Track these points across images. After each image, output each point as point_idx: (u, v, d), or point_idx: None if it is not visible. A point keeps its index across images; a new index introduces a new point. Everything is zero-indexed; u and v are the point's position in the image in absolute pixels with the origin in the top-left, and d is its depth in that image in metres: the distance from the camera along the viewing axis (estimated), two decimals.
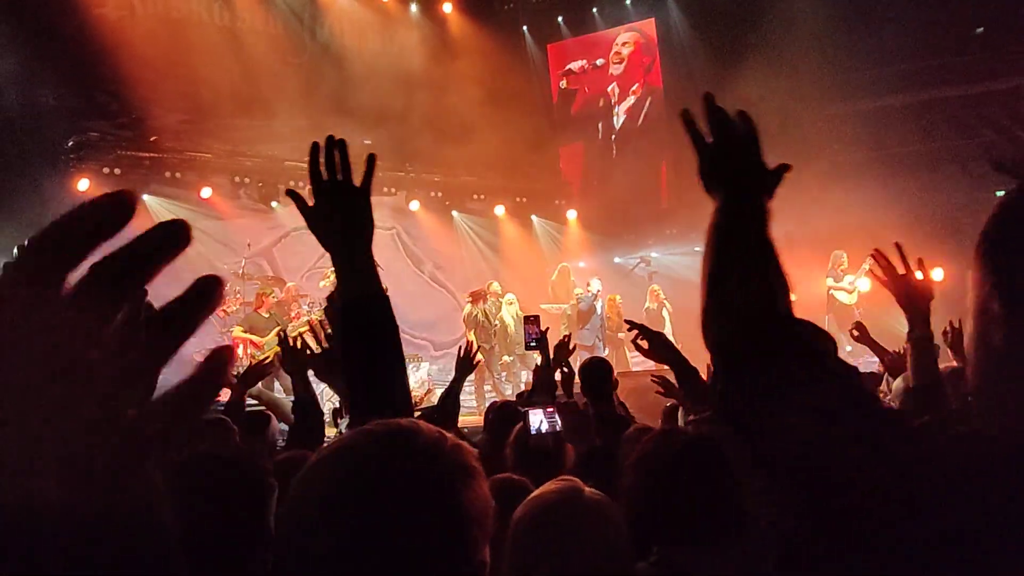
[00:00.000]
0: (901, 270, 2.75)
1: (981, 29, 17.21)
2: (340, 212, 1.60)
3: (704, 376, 3.21)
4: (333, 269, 1.62)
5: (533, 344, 4.15)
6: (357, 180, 1.65)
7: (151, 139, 12.63)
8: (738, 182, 1.25)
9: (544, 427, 2.87)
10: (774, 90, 14.61)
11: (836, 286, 13.07)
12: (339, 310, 1.60)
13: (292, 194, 1.64)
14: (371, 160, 1.65)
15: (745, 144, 1.29)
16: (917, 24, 15.34)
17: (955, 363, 4.63)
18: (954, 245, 10.50)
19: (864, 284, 13.42)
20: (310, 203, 1.62)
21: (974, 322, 0.99)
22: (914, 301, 2.77)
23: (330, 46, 14.73)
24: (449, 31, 15.94)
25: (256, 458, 1.81)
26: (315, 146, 1.60)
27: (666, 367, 3.28)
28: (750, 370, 1.04)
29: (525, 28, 17.44)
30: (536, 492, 1.73)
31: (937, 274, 14.91)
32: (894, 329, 5.76)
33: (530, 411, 2.94)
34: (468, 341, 4.74)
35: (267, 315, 10.91)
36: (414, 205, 15.49)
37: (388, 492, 0.98)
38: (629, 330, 3.39)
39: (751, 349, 1.06)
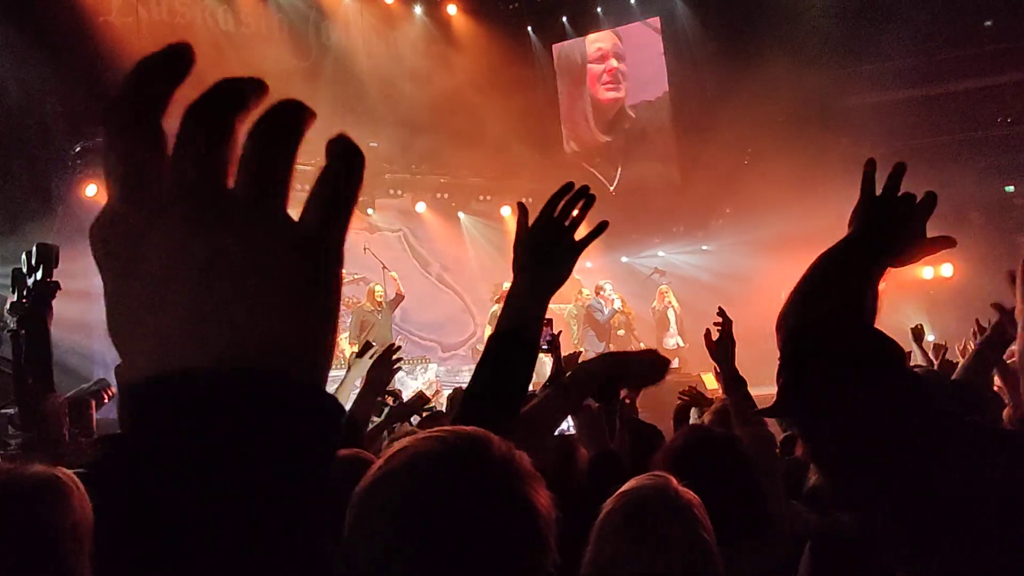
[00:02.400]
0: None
1: (990, 22, 17.15)
2: (553, 252, 1.58)
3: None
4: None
5: (546, 347, 4.13)
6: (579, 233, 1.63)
7: None
8: (884, 235, 1.27)
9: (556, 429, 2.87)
10: (782, 86, 14.58)
11: None
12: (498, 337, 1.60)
13: (522, 206, 1.65)
14: (602, 227, 1.62)
15: (912, 213, 1.31)
16: (925, 18, 15.28)
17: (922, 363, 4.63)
18: (963, 240, 10.42)
19: None
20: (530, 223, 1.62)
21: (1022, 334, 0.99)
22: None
23: (335, 49, 14.75)
24: (454, 32, 15.95)
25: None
26: (570, 184, 1.60)
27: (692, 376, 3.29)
28: (820, 364, 1.05)
29: (530, 28, 17.44)
30: (627, 486, 1.71)
31: (946, 270, 14.89)
32: (904, 326, 5.74)
33: None
34: None
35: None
36: (420, 207, 15.50)
37: (470, 501, 0.99)
38: (716, 325, 3.41)
39: (826, 343, 1.06)
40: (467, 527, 0.97)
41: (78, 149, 11.99)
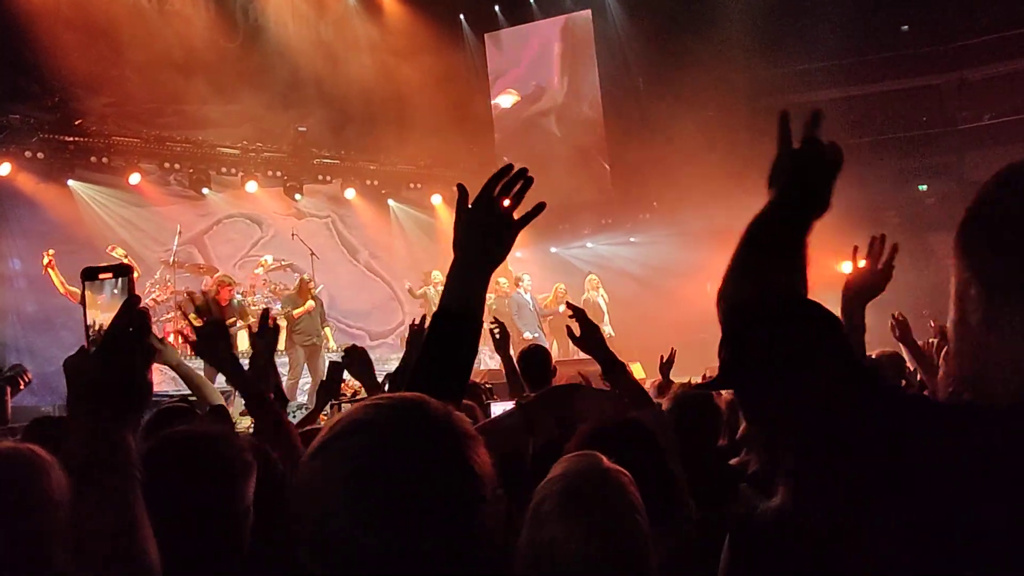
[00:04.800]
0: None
1: (907, 27, 17.76)
2: (492, 232, 1.63)
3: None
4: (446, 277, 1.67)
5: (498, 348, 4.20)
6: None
7: (76, 123, 12.22)
8: (803, 190, 1.31)
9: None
10: (710, 82, 14.84)
11: None
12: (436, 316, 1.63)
13: (461, 187, 1.67)
14: (539, 208, 1.66)
15: (825, 165, 1.35)
16: (846, 20, 15.73)
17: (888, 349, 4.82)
18: None
19: None
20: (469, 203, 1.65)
21: (954, 308, 1.02)
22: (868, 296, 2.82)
23: (264, 30, 14.42)
24: (385, 18, 15.76)
25: (232, 435, 1.78)
26: (509, 167, 1.64)
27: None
28: (760, 335, 1.08)
29: (462, 16, 17.35)
30: (559, 468, 1.73)
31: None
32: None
33: (493, 404, 2.95)
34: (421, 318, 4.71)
35: (225, 304, 10.44)
36: (350, 193, 15.30)
37: (410, 461, 1.03)
38: (570, 317, 3.39)
39: (765, 315, 1.09)
40: (406, 487, 1.01)
41: None
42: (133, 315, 1.26)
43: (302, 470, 1.07)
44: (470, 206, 1.64)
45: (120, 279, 1.34)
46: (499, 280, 13.55)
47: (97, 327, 1.30)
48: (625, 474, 1.69)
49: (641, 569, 1.61)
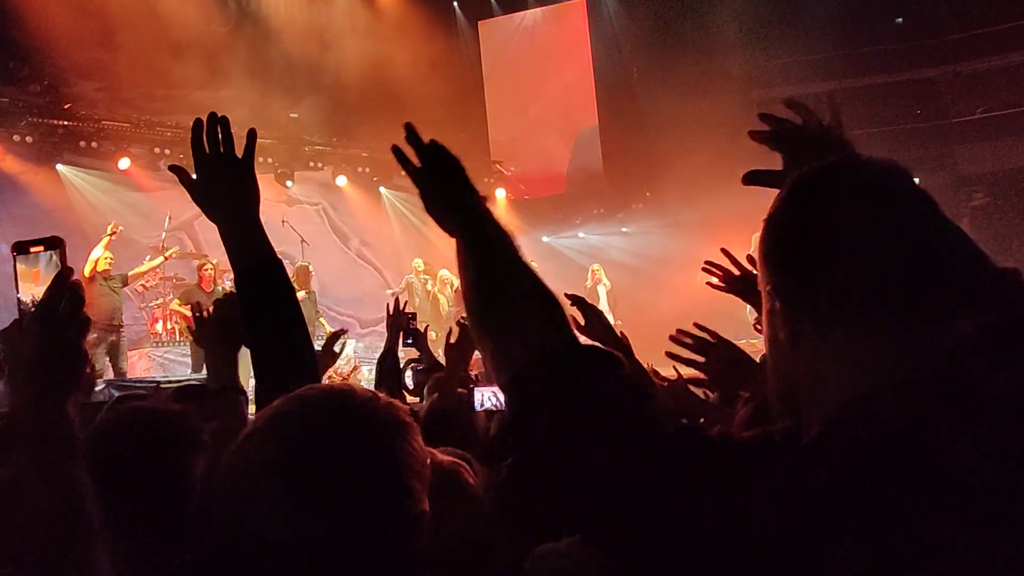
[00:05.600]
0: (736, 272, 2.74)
1: (900, 20, 17.76)
2: (225, 183, 1.64)
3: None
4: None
5: (410, 342, 4.25)
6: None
7: (65, 107, 12.11)
8: (465, 215, 1.19)
9: (488, 404, 2.88)
10: (703, 72, 14.83)
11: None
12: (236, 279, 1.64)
13: (174, 168, 1.69)
14: (252, 134, 1.68)
15: (447, 172, 1.25)
16: (840, 12, 15.72)
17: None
18: None
19: None
20: (193, 177, 1.67)
21: (764, 322, 0.99)
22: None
23: (256, 15, 14.33)
24: (379, 4, 15.68)
25: (188, 414, 1.79)
26: (198, 122, 1.65)
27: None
28: (547, 402, 0.97)
29: (455, 3, 17.28)
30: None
31: None
32: None
33: (476, 388, 2.94)
34: (396, 299, 4.73)
35: (209, 291, 10.40)
36: (341, 180, 15.24)
37: (328, 452, 1.00)
38: (571, 306, 3.37)
39: (547, 380, 0.98)
40: (324, 477, 0.99)
41: None
42: (65, 287, 1.25)
43: (225, 459, 1.06)
44: (195, 175, 1.65)
45: (52, 252, 1.32)
46: (413, 261, 13.50)
47: (30, 302, 1.30)
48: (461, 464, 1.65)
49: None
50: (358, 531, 0.99)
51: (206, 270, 10.68)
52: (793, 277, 0.93)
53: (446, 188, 1.25)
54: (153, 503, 1.56)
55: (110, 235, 9.62)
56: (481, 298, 1.12)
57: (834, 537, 0.77)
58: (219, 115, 1.65)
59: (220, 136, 1.64)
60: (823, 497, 0.78)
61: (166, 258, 10.61)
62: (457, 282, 13.70)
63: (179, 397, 2.71)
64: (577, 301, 3.39)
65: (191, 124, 1.64)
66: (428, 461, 1.09)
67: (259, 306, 1.64)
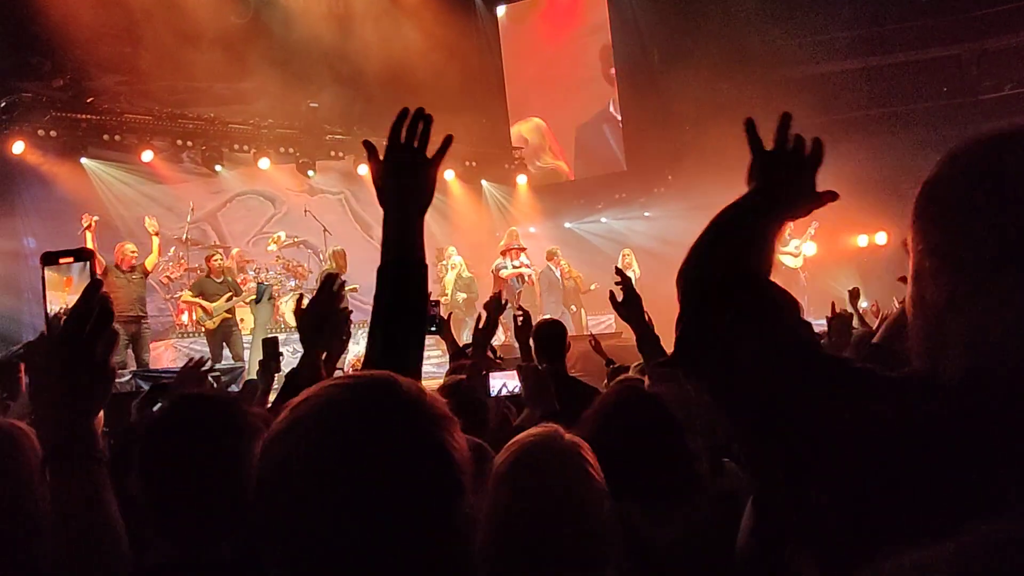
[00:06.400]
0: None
1: None
2: (406, 175, 1.68)
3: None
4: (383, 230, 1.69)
5: (433, 329, 4.20)
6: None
7: (88, 100, 12.21)
8: (773, 186, 1.32)
9: (504, 390, 2.88)
10: (725, 53, 14.68)
11: (782, 250, 13.27)
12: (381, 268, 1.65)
13: (367, 144, 1.72)
14: (447, 140, 1.72)
15: (799, 163, 1.35)
16: None
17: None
18: (897, 209, 10.71)
19: (810, 248, 13.66)
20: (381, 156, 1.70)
21: (912, 281, 1.01)
22: None
23: (275, 6, 14.35)
24: None
25: (242, 401, 1.81)
26: (404, 111, 1.68)
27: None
28: (716, 313, 1.08)
29: None
30: (518, 437, 1.73)
31: (881, 238, 15.27)
32: (839, 293, 5.89)
33: (491, 373, 2.95)
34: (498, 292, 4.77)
35: (219, 280, 10.59)
36: (362, 169, 15.24)
37: (378, 444, 0.97)
38: (616, 283, 3.39)
39: (721, 294, 1.10)
40: (376, 473, 0.95)
41: (3, 104, 11.52)
42: (94, 300, 1.23)
43: (263, 456, 1.01)
44: (383, 158, 1.68)
45: (81, 263, 1.31)
46: (446, 249, 13.47)
47: (61, 310, 1.28)
48: (582, 445, 1.68)
49: (593, 537, 1.60)
50: (413, 528, 0.96)
51: (215, 260, 10.79)
52: (959, 238, 0.94)
53: (780, 165, 1.36)
54: (213, 490, 1.55)
55: (86, 227, 9.23)
56: (722, 225, 1.26)
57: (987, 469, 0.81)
58: (426, 112, 1.68)
59: (419, 131, 1.67)
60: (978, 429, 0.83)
61: (155, 233, 10.40)
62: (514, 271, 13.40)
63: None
64: (624, 280, 3.43)
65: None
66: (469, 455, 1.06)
67: (392, 299, 1.63)
